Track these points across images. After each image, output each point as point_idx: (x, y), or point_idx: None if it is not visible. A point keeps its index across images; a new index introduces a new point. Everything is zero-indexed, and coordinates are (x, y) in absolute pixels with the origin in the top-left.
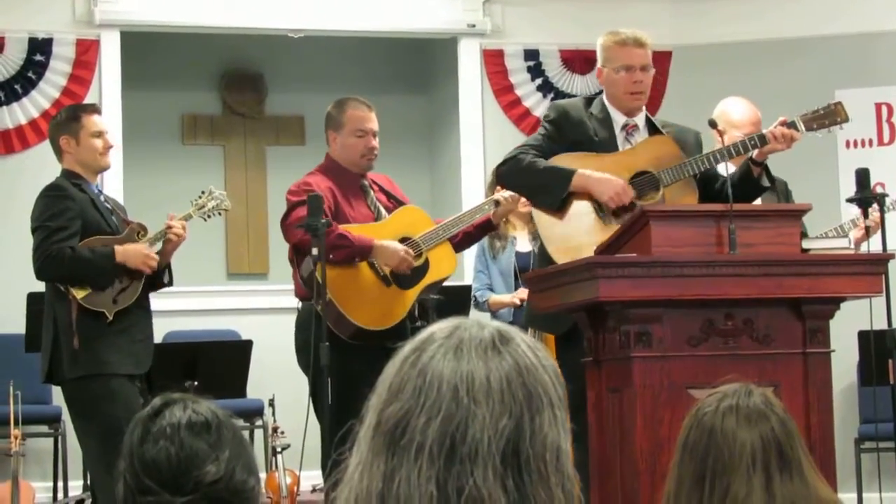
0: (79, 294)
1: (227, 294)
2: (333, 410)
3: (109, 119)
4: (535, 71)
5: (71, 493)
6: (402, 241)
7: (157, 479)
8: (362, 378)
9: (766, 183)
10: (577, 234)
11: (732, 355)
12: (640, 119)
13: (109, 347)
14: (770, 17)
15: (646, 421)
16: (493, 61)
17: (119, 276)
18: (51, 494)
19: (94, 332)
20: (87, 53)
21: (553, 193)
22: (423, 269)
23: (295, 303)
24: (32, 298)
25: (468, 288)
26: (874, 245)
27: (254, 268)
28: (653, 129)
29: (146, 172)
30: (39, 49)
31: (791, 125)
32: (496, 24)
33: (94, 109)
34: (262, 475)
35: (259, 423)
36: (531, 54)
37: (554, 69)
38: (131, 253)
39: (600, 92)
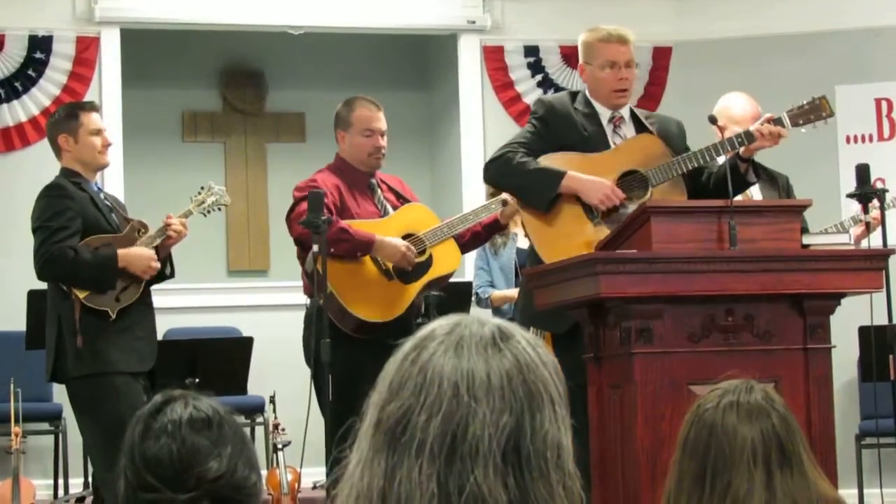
0: (81, 293)
1: (228, 291)
2: (338, 407)
3: (110, 116)
4: (536, 67)
5: (71, 491)
6: (406, 237)
7: (158, 476)
8: (367, 374)
9: (752, 178)
10: (565, 235)
11: (733, 351)
12: (625, 112)
13: (113, 345)
14: (770, 13)
15: (647, 417)
16: (493, 57)
17: (121, 278)
18: (51, 492)
19: (97, 331)
20: (87, 51)
21: (542, 195)
22: (426, 265)
23: (296, 299)
24: (33, 296)
25: (469, 285)
26: (874, 241)
27: (254, 265)
28: (637, 121)
29: (147, 170)
30: (40, 46)
31: (777, 122)
32: (496, 20)
33: (93, 107)
34: (263, 472)
35: (260, 419)
36: (531, 50)
37: (554, 65)
38: (134, 258)
39: None
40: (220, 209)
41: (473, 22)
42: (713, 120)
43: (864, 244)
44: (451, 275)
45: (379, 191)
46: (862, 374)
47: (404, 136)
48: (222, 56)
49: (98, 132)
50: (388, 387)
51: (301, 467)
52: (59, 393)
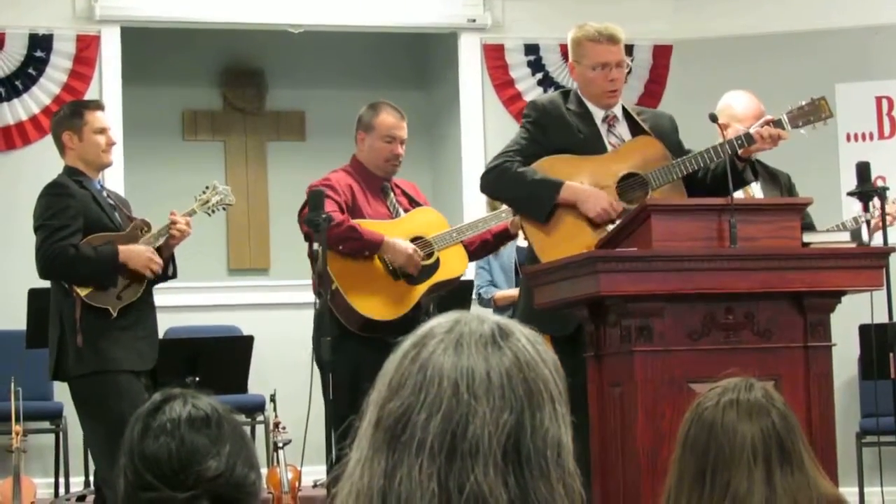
0: (82, 291)
1: (229, 290)
2: (343, 405)
3: (110, 115)
4: (536, 65)
5: (72, 489)
6: (415, 240)
7: (157, 475)
8: (374, 373)
9: (749, 177)
10: (565, 240)
11: (733, 349)
12: (617, 109)
13: (114, 344)
14: (770, 11)
15: (647, 415)
16: (494, 56)
17: (122, 274)
18: (52, 490)
19: (98, 329)
20: (87, 49)
21: (540, 206)
22: (433, 268)
23: (296, 298)
24: (33, 295)
25: (470, 283)
26: (874, 239)
27: (255, 263)
28: (629, 118)
29: (147, 168)
30: (40, 45)
31: (777, 124)
32: (496, 18)
33: (98, 106)
34: (264, 470)
35: (260, 418)
36: (531, 49)
37: (554, 63)
38: (135, 255)
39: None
40: (224, 209)
41: (474, 20)
42: (713, 118)
43: (877, 240)
44: (457, 279)
45: (392, 194)
46: (862, 373)
47: None
48: (222, 55)
49: (102, 131)
50: (387, 385)
51: (302, 466)
52: (60, 391)
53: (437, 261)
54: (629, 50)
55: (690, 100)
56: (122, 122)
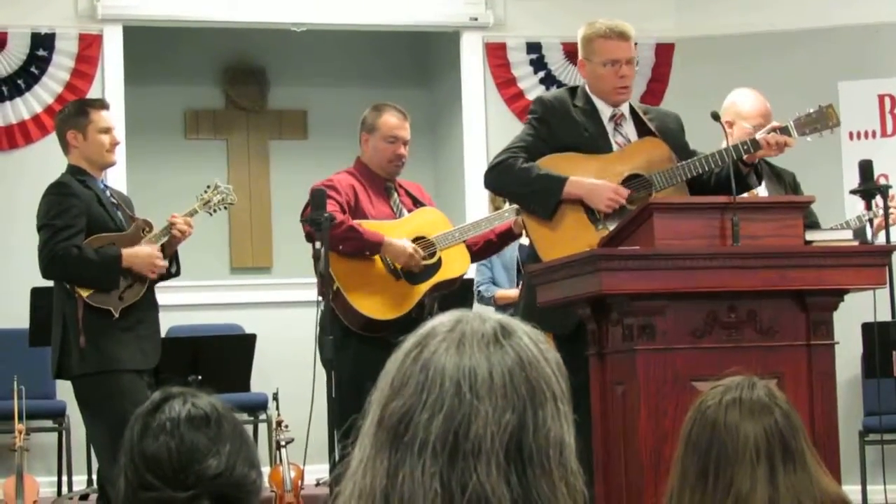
0: (84, 292)
1: (231, 288)
2: (347, 404)
3: (112, 114)
4: (538, 64)
5: (75, 488)
6: (418, 239)
7: (157, 475)
8: (377, 372)
9: (753, 182)
10: (568, 239)
11: (736, 347)
12: (625, 108)
13: (117, 344)
14: (773, 9)
15: (649, 414)
16: (496, 54)
17: (125, 276)
18: (55, 489)
19: (100, 330)
20: (89, 48)
21: (544, 202)
22: (435, 268)
23: (298, 296)
24: (36, 293)
25: (471, 282)
26: (878, 237)
27: (257, 262)
28: (637, 118)
29: (149, 167)
30: (42, 44)
31: (784, 131)
32: (498, 17)
33: (103, 105)
34: (266, 469)
35: (263, 417)
36: (533, 47)
37: (556, 62)
38: (138, 258)
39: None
40: (226, 208)
41: (476, 19)
42: (716, 117)
43: (880, 238)
44: (459, 279)
45: (395, 194)
46: (865, 371)
47: None
48: (224, 53)
49: (107, 130)
50: (390, 385)
51: (304, 464)
52: (63, 390)
53: (439, 260)
54: None
55: (693, 98)
56: (124, 121)
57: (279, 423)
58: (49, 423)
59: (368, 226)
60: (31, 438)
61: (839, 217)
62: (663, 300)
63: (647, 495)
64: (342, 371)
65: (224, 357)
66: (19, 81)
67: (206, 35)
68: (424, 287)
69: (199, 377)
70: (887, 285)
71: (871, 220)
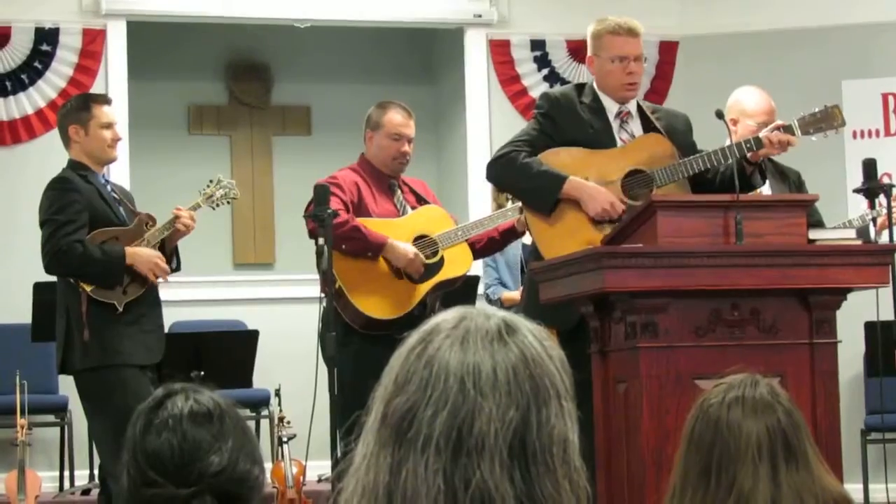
0: (88, 286)
1: (234, 284)
2: (348, 400)
3: (116, 109)
4: (542, 61)
5: (77, 483)
6: (420, 238)
7: (160, 471)
8: (380, 370)
9: (757, 182)
10: (567, 234)
11: (739, 346)
12: (631, 106)
13: (120, 338)
14: (777, 8)
15: (652, 411)
16: (500, 51)
17: (127, 273)
18: (57, 484)
19: (104, 324)
20: (93, 43)
21: (543, 199)
22: (437, 266)
23: (301, 293)
24: (38, 288)
25: (476, 279)
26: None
27: (260, 258)
28: (643, 115)
29: (153, 163)
30: (46, 39)
31: (788, 129)
32: (502, 14)
33: (105, 100)
34: (269, 465)
35: (265, 413)
36: (537, 44)
37: (560, 59)
38: (141, 258)
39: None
40: (228, 202)
41: (480, 16)
42: (720, 115)
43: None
44: (461, 278)
45: (399, 191)
46: (867, 370)
47: None
48: (228, 49)
49: (109, 126)
50: (393, 381)
51: (306, 460)
52: (65, 385)
53: (442, 259)
54: None
55: (697, 97)
56: (127, 117)
57: (281, 420)
58: (51, 418)
59: (372, 224)
60: (34, 433)
61: (842, 216)
62: (666, 298)
63: (650, 493)
64: (344, 367)
65: (227, 353)
66: (23, 76)
67: (209, 31)
68: (426, 286)
69: (202, 373)
70: (890, 284)
71: (874, 219)
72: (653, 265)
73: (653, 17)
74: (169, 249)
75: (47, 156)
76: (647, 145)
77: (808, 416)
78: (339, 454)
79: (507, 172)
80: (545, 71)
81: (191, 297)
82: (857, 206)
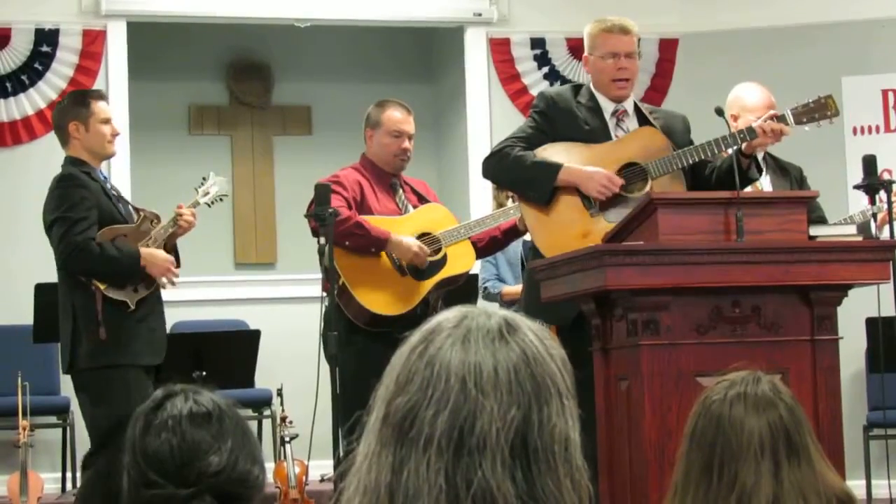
0: (102, 285)
1: (235, 284)
2: (350, 399)
3: (116, 110)
4: (542, 59)
5: (79, 484)
6: (423, 236)
7: (160, 472)
8: (381, 367)
9: (753, 175)
10: (562, 225)
11: (740, 342)
12: (628, 105)
13: (131, 337)
14: (777, 4)
15: (654, 409)
16: (500, 50)
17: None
18: (59, 485)
19: (118, 322)
20: (93, 44)
21: (540, 188)
22: (440, 264)
23: (303, 292)
24: (40, 289)
25: (476, 277)
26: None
27: (261, 257)
28: (640, 115)
29: (153, 163)
30: (46, 40)
31: (781, 119)
32: (502, 12)
33: (101, 95)
34: (271, 465)
35: (267, 412)
36: (538, 42)
37: (560, 57)
38: (156, 262)
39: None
40: (221, 200)
41: (480, 14)
42: (720, 112)
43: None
44: (464, 275)
45: (401, 190)
46: (869, 366)
47: None
48: (229, 49)
49: (108, 121)
50: (395, 380)
51: (309, 460)
52: (67, 386)
53: (445, 257)
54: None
55: (697, 94)
56: (128, 117)
57: (283, 419)
58: (53, 420)
59: (375, 222)
60: (36, 435)
61: (842, 212)
62: (667, 295)
63: (652, 490)
64: (347, 367)
65: (228, 353)
66: (23, 77)
67: (210, 31)
68: (430, 283)
69: (204, 373)
70: (891, 280)
71: (874, 215)
72: (654, 262)
73: (653, 14)
74: (169, 247)
75: (48, 157)
76: (640, 138)
77: (810, 413)
78: (341, 454)
79: (501, 166)
80: (545, 69)
81: (192, 298)
82: (858, 203)
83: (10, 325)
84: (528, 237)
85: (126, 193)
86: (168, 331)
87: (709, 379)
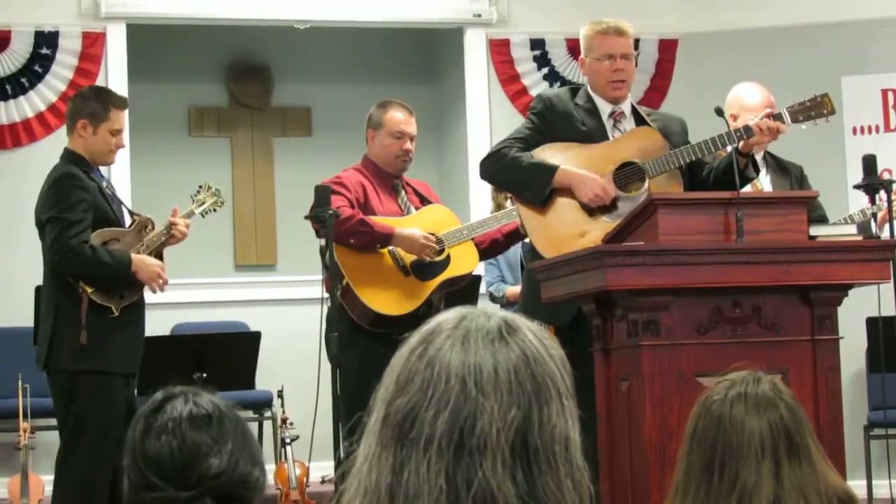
0: (89, 288)
1: (235, 286)
2: (351, 401)
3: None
4: (542, 60)
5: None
6: None
7: (160, 475)
8: (381, 368)
9: (751, 174)
10: (560, 225)
11: (741, 343)
12: (625, 107)
13: (114, 343)
14: (776, 5)
15: (655, 409)
16: (500, 51)
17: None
18: None
19: (101, 327)
20: (93, 46)
21: (536, 189)
22: (443, 264)
23: (303, 294)
24: (40, 292)
25: (477, 278)
26: (882, 231)
27: (262, 259)
28: (638, 117)
29: (153, 165)
30: (45, 42)
31: (777, 117)
32: (502, 13)
33: (124, 104)
34: (272, 466)
35: (268, 414)
36: (537, 43)
37: (560, 58)
38: (146, 267)
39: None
40: (215, 210)
41: (479, 15)
42: (719, 112)
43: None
44: (467, 276)
45: (403, 192)
46: (870, 365)
47: None
48: (228, 51)
49: (118, 133)
50: (395, 381)
51: (309, 462)
52: None
53: (448, 257)
54: (634, 44)
55: (696, 94)
56: (128, 119)
57: (284, 421)
58: (54, 422)
59: (377, 220)
60: (37, 437)
61: (842, 212)
62: (668, 296)
63: (653, 491)
64: (348, 368)
65: (229, 354)
66: (23, 80)
67: (209, 32)
68: (433, 283)
69: (204, 375)
70: (891, 280)
71: (874, 215)
72: (654, 263)
73: (652, 14)
74: (156, 254)
75: (48, 159)
76: (637, 138)
77: (810, 413)
78: (341, 455)
79: (498, 167)
80: (545, 70)
81: (193, 299)
82: (858, 202)
83: (10, 328)
84: (528, 239)
85: (126, 195)
86: (168, 333)
87: (709, 379)
